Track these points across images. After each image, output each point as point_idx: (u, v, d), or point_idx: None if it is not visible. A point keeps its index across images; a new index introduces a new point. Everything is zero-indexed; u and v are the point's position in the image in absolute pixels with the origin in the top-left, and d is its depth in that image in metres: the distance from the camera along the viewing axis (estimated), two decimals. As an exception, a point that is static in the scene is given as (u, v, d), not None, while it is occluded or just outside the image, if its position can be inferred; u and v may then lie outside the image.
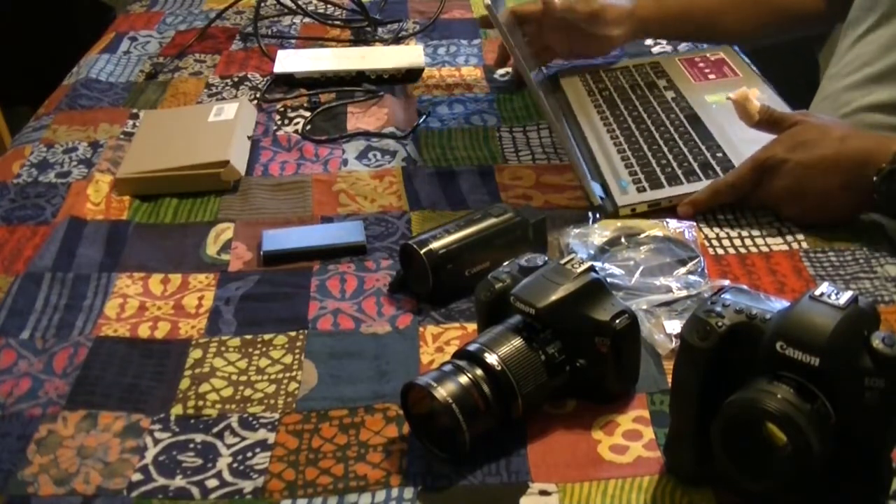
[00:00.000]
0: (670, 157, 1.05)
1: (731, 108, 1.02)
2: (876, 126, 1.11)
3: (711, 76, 1.23)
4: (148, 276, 0.93)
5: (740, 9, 1.29)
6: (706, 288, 0.86)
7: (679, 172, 1.02)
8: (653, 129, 1.11)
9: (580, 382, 0.74)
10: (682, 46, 1.35)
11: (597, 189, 1.01)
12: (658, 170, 1.03)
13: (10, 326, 0.87)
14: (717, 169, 1.02)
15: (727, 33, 1.30)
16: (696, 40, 1.33)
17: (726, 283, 0.86)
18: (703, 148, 1.06)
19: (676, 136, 1.09)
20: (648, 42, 1.40)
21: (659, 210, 0.99)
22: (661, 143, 1.08)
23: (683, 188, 1.00)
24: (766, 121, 0.99)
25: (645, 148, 1.08)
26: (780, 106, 1.15)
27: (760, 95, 1.02)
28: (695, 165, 1.03)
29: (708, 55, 1.28)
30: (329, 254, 0.95)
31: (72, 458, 0.73)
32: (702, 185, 1.00)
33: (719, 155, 1.04)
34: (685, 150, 1.06)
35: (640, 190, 1.00)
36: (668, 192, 1.00)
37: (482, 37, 1.45)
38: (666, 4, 1.28)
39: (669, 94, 1.19)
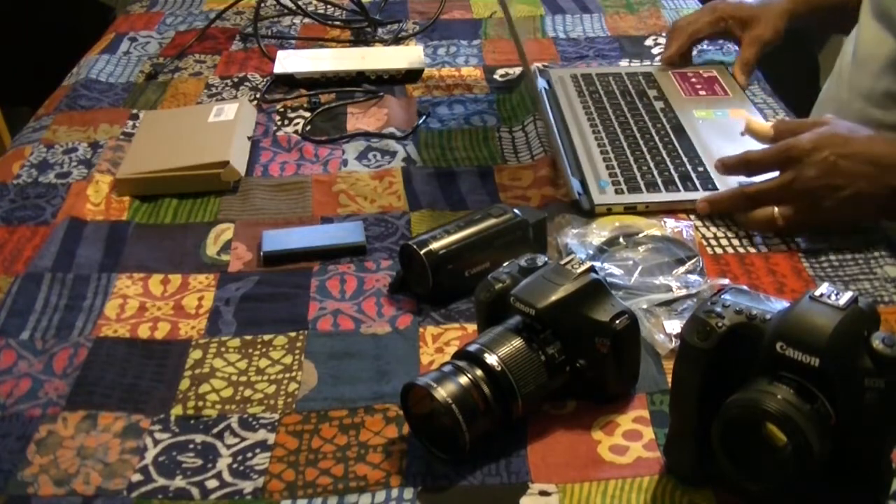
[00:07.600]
0: (651, 164, 1.05)
1: (717, 125, 1.04)
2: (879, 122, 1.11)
3: (702, 92, 1.23)
4: (148, 276, 0.93)
5: None
6: (705, 287, 0.86)
7: (659, 180, 1.02)
8: (637, 135, 1.12)
9: (580, 383, 0.74)
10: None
11: (575, 185, 1.01)
12: (638, 175, 1.03)
13: (10, 327, 0.87)
14: (697, 182, 1.02)
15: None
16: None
17: (726, 282, 0.86)
18: (685, 160, 1.06)
19: (660, 146, 1.09)
20: (648, 43, 1.40)
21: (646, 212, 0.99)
22: (644, 149, 1.09)
23: (661, 196, 1.00)
24: (785, 131, 0.97)
25: (628, 152, 1.08)
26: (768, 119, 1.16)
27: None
28: (675, 176, 1.03)
29: (701, 72, 1.28)
30: (329, 254, 0.95)
31: (72, 459, 0.73)
32: (679, 195, 1.00)
33: (700, 169, 1.04)
34: (667, 159, 1.06)
35: (619, 192, 1.01)
36: (645, 197, 1.00)
37: (482, 37, 1.45)
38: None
39: (658, 105, 1.19)
